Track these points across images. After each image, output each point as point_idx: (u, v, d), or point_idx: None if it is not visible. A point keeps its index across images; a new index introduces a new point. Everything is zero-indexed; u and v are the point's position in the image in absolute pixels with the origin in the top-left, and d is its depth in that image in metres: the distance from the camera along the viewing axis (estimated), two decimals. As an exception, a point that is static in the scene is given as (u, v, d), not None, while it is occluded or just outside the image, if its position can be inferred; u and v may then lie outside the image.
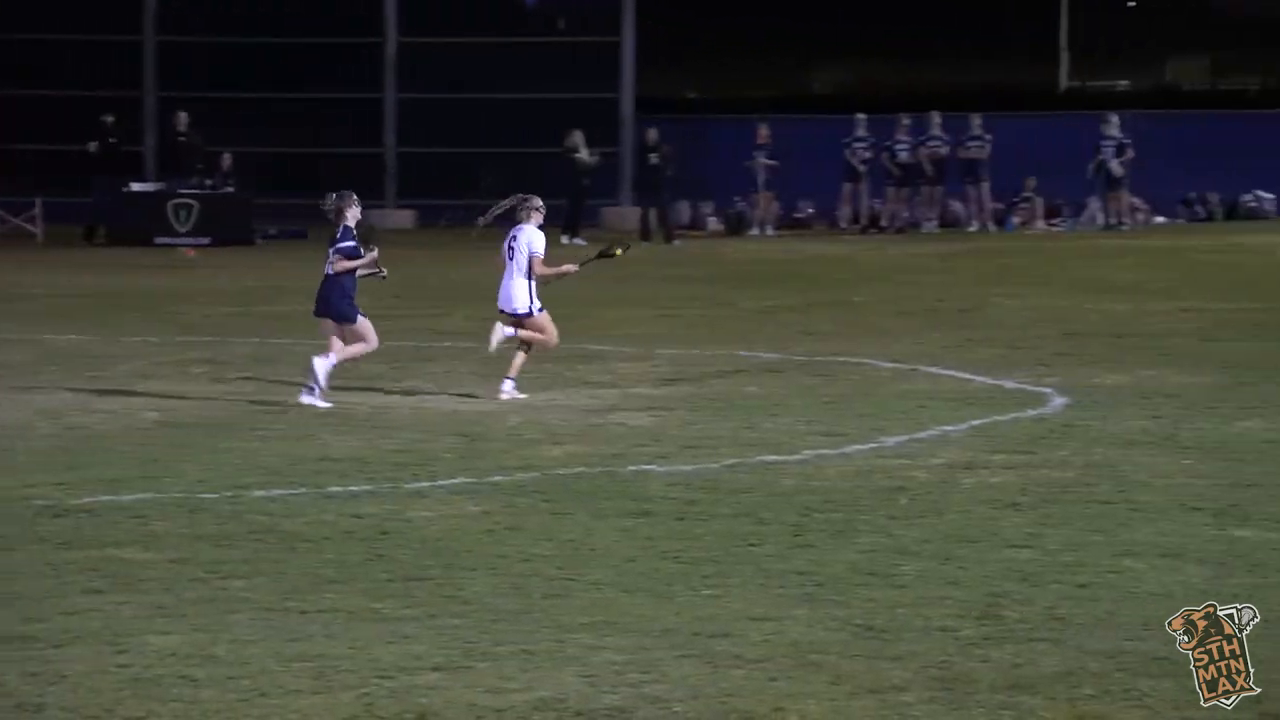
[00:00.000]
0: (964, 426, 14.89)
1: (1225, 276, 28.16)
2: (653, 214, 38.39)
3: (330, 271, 16.37)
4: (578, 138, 38.67)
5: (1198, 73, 67.78)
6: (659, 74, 50.91)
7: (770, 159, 40.10)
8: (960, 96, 44.75)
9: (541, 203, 17.10)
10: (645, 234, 37.66)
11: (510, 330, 16.87)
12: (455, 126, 41.89)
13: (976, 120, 40.52)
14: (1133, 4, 71.24)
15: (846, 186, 41.07)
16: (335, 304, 16.39)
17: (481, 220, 17.66)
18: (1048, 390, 16.73)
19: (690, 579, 10.06)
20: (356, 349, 16.48)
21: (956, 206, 41.33)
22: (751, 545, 10.84)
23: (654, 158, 38.51)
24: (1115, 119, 40.33)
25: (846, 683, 8.16)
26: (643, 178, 39.65)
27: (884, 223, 40.83)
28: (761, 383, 17.28)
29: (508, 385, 16.65)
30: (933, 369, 18.32)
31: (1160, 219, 41.98)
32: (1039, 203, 41.30)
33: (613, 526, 11.41)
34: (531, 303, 16.78)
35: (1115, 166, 39.77)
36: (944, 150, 40.52)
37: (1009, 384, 17.30)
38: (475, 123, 41.90)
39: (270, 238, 38.03)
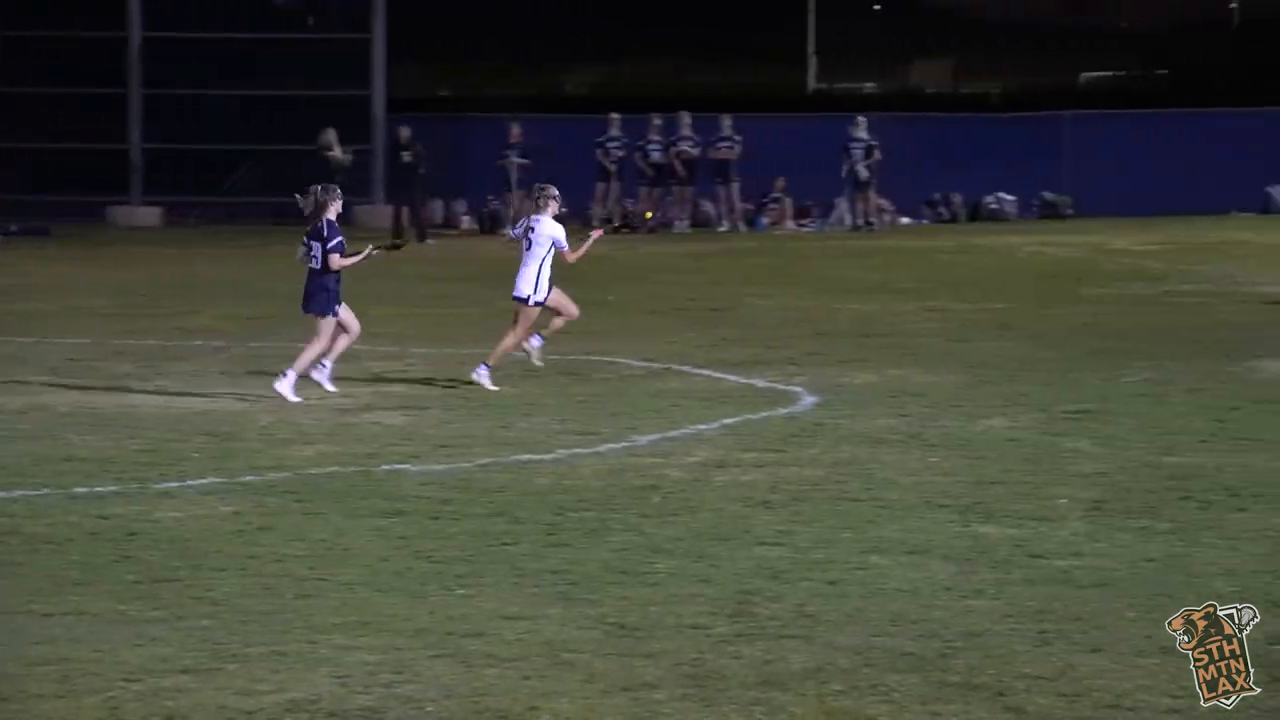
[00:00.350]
0: (716, 425, 15.00)
1: (969, 277, 28.66)
2: (405, 213, 38.23)
3: (316, 266, 16.37)
4: (331, 136, 38.32)
5: (940, 76, 68.96)
6: (412, 72, 50.67)
7: (522, 158, 40.11)
8: (711, 98, 45.11)
9: (558, 192, 17.46)
10: (398, 233, 37.48)
11: (537, 340, 17.42)
12: (204, 124, 41.35)
13: (727, 121, 40.85)
14: (878, 8, 72.29)
15: (599, 186, 41.18)
16: (315, 300, 16.42)
17: (514, 232, 17.91)
18: (798, 389, 16.91)
19: (444, 578, 10.03)
20: (311, 351, 16.40)
21: (708, 207, 41.64)
22: (505, 544, 10.83)
23: (406, 156, 38.32)
24: (864, 121, 40.89)
25: (599, 681, 8.19)
26: (395, 176, 39.46)
27: (635, 223, 41.02)
28: (516, 382, 17.27)
29: (484, 370, 16.83)
30: (685, 368, 18.43)
31: (906, 220, 42.63)
32: (788, 203, 41.74)
33: (366, 526, 11.34)
34: (534, 293, 17.10)
35: (861, 169, 40.33)
36: (695, 151, 40.81)
37: (760, 383, 17.47)
38: (225, 120, 41.39)
39: (11, 234, 37.25)
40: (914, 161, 42.21)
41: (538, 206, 17.44)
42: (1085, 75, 65.69)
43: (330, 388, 16.62)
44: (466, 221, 41.75)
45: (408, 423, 15.23)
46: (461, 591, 9.77)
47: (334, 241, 16.37)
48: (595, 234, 18.23)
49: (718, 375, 18.02)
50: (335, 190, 16.70)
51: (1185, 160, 44.88)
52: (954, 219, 43.54)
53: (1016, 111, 48.20)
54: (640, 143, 40.81)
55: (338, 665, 8.42)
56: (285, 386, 16.22)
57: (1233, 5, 68.00)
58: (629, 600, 9.53)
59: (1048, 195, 44.81)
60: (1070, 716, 7.60)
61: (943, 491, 12.22)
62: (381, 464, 13.33)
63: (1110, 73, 66.17)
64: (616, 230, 17.93)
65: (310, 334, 16.50)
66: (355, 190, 40.43)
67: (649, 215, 18.45)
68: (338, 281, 16.47)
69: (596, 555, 10.55)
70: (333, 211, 16.49)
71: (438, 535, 11.09)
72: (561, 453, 13.81)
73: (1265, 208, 44.61)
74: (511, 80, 57.49)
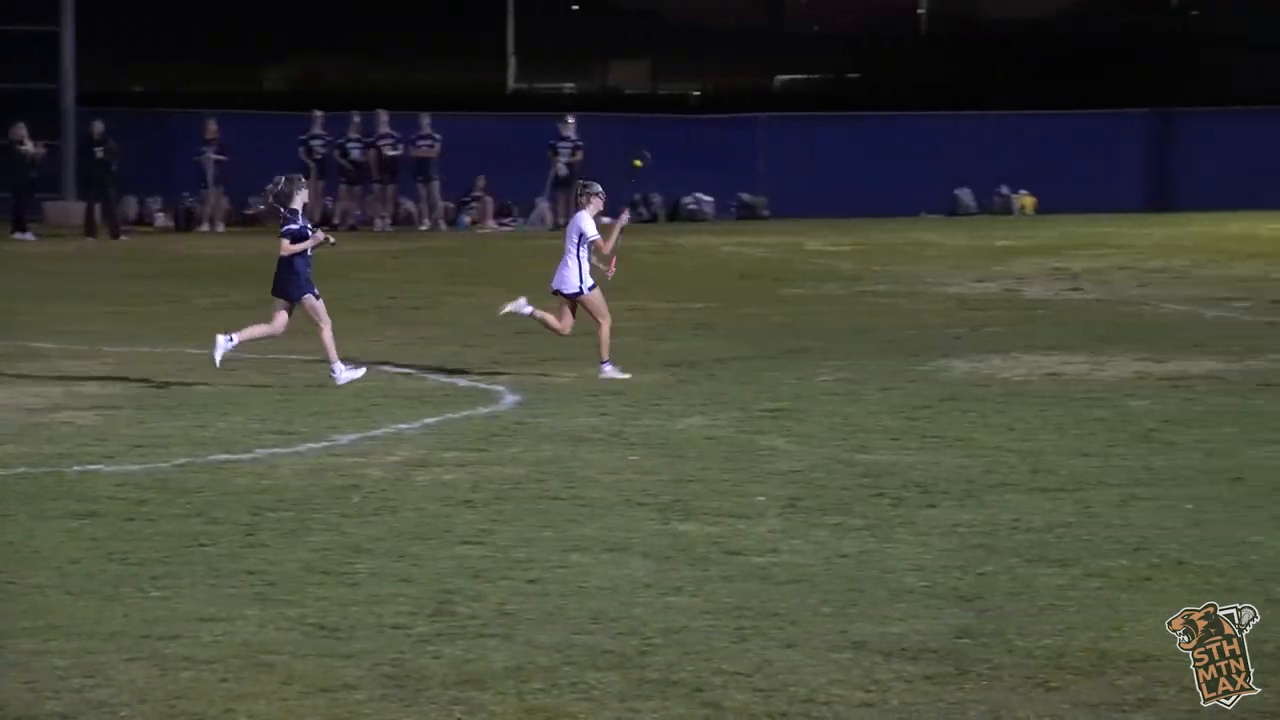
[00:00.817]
0: (418, 424, 14.96)
1: (668, 277, 28.92)
2: (98, 209, 37.52)
3: (281, 254, 17.07)
4: (21, 129, 37.51)
5: (639, 77, 69.45)
6: (105, 66, 49.69)
7: (219, 155, 39.60)
8: (411, 95, 44.94)
9: (600, 189, 18.39)
10: (90, 229, 36.79)
11: (528, 308, 17.85)
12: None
13: (426, 119, 40.74)
14: (576, 8, 72.57)
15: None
16: (282, 283, 17.12)
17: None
18: (500, 388, 16.93)
19: (139, 580, 9.86)
20: (257, 330, 17.22)
21: (409, 205, 41.48)
22: (203, 545, 10.69)
23: (99, 151, 37.60)
24: (572, 121, 41.04)
25: (298, 682, 8.11)
26: (87, 171, 38.69)
27: (336, 220, 40.72)
28: (214, 380, 17.05)
29: (607, 368, 17.59)
30: (386, 367, 18.35)
31: (606, 220, 42.90)
32: (489, 202, 41.75)
33: (57, 528, 11.11)
34: (581, 282, 17.84)
35: (561, 167, 40.47)
36: (395, 149, 40.62)
37: (462, 382, 17.45)
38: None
39: None
40: (613, 162, 42.48)
41: (579, 203, 18.23)
42: (780, 78, 66.63)
43: (218, 356, 16.95)
44: (161, 219, 41.10)
45: (101, 422, 14.95)
46: (157, 593, 9.62)
47: (285, 228, 17.11)
48: (623, 218, 18.75)
49: (419, 374, 17.96)
50: (300, 180, 17.63)
51: (877, 163, 45.77)
52: (653, 219, 43.90)
53: (714, 113, 48.77)
54: (340, 140, 40.53)
55: (27, 670, 8.24)
56: (343, 375, 16.91)
57: (920, 11, 69.42)
58: (329, 600, 9.46)
59: (745, 196, 45.40)
60: (766, 711, 7.70)
61: (643, 490, 12.31)
62: (74, 464, 13.07)
63: (804, 76, 67.21)
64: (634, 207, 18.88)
65: (312, 322, 17.19)
66: (47, 186, 39.64)
67: (637, 164, 18.99)
68: (307, 265, 17.14)
69: (296, 555, 10.46)
70: (298, 201, 17.23)
71: (133, 536, 10.90)
72: (260, 452, 13.66)
73: (953, 210, 45.67)
74: (209, 75, 56.69)
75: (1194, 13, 68.96)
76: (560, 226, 40.31)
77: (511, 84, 63.68)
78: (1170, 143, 48.10)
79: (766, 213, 45.08)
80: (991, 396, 16.30)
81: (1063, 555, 10.26)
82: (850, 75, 66.87)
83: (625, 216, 18.67)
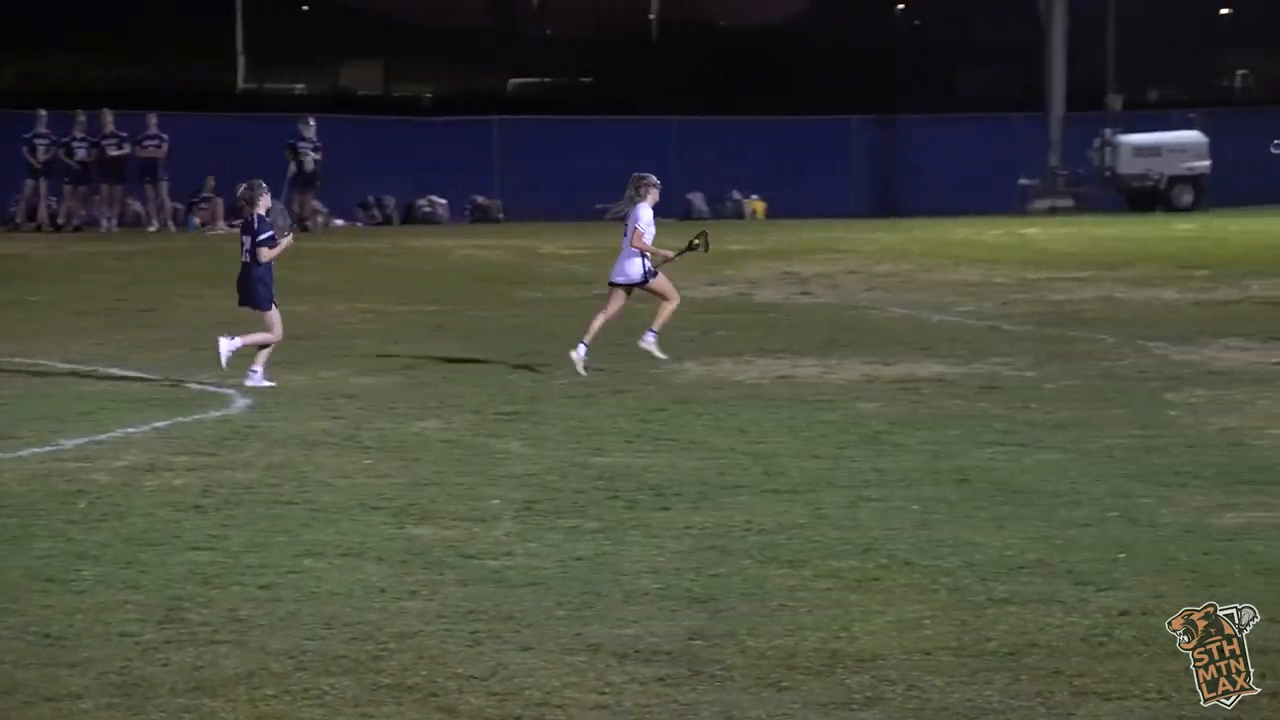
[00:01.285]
0: (146, 428, 14.72)
1: (404, 280, 28.80)
2: None
3: (248, 259, 17.00)
4: None
5: (372, 78, 69.09)
6: None
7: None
8: (137, 94, 44.27)
9: (656, 180, 18.39)
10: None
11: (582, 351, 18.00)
12: None
13: (153, 119, 40.17)
14: (306, 8, 71.99)
15: (28, 183, 40.00)
16: (251, 292, 17.08)
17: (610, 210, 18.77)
18: (231, 391, 16.72)
19: None
20: (260, 336, 17.09)
21: (136, 205, 40.84)
22: (-79, 554, 10.41)
23: None
24: (313, 122, 40.74)
25: (21, 692, 7.94)
26: None
27: (60, 220, 39.98)
28: (-69, 385, 16.64)
29: (650, 337, 18.33)
30: (114, 370, 18.04)
31: (340, 222, 42.60)
32: (219, 203, 41.26)
33: None
34: (645, 270, 18.13)
35: (293, 167, 40.15)
36: (121, 149, 39.96)
37: (192, 385, 17.21)
38: None
39: None
40: (346, 164, 42.21)
41: (639, 195, 18.23)
42: (514, 81, 66.71)
43: (262, 383, 16.85)
44: None
45: None
46: (-126, 604, 9.35)
47: (264, 235, 16.92)
48: (669, 255, 18.60)
49: (148, 377, 17.68)
50: (262, 185, 17.37)
51: (610, 167, 45.98)
52: (387, 221, 43.71)
53: (448, 115, 48.68)
54: (65, 140, 39.78)
55: None
56: (258, 380, 16.79)
57: (651, 17, 69.94)
58: (53, 609, 9.27)
59: (480, 199, 45.39)
60: (500, 715, 7.69)
61: (377, 494, 12.23)
62: None
63: (538, 79, 67.37)
64: (690, 249, 18.76)
65: (258, 327, 17.13)
66: None
67: (697, 244, 18.99)
68: (270, 274, 17.05)
69: (19, 563, 10.23)
70: (262, 206, 17.01)
71: None
72: (-18, 458, 13.36)
73: (686, 214, 46.06)
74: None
75: (916, 22, 70.25)
76: (303, 229, 40.02)
77: (241, 84, 63.01)
78: (895, 150, 49.00)
79: (501, 216, 45.11)
80: (725, 399, 16.45)
81: (794, 556, 10.38)
82: (583, 79, 67.16)
83: (667, 254, 18.67)
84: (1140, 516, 11.32)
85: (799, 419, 15.28)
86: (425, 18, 70.44)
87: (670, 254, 18.68)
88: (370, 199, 43.81)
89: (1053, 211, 47.26)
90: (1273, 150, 24.62)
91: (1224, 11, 69.72)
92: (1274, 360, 18.65)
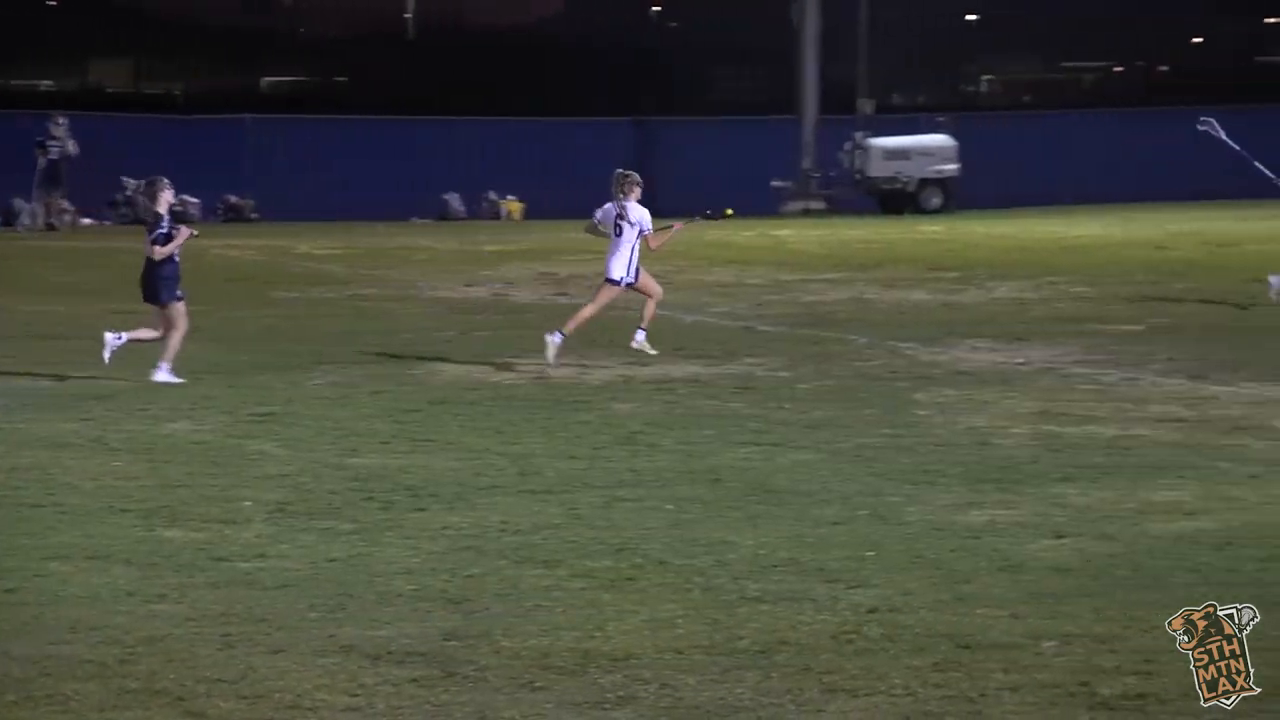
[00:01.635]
0: (-116, 431, 14.36)
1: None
2: None
3: (154, 258, 16.95)
4: None
5: (122, 75, 68.02)
6: None
7: None
8: None
9: (639, 178, 18.44)
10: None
11: (641, 335, 18.42)
12: None
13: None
14: (53, 2, 70.67)
15: None
16: (153, 287, 17.05)
17: (597, 216, 18.57)
18: (-27, 393, 16.38)
19: None
20: (145, 333, 17.20)
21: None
22: None
23: None
24: (64, 120, 40.06)
25: None
26: None
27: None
28: None
29: (640, 335, 18.37)
30: None
31: (88, 220, 41.92)
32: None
33: None
34: (626, 275, 18.20)
35: (42, 163, 39.48)
36: None
37: (-68, 387, 16.83)
38: None
39: None
40: (97, 162, 41.53)
41: (624, 192, 18.01)
42: (267, 79, 66.08)
43: (170, 379, 16.89)
44: None
45: None
46: None
47: (155, 233, 16.83)
48: (677, 226, 18.79)
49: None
50: (163, 181, 17.27)
51: (366, 166, 45.76)
52: (139, 220, 43.06)
53: (200, 113, 48.09)
54: None
55: None
56: (164, 375, 16.86)
57: (407, 16, 69.63)
58: None
59: (232, 198, 44.89)
60: (251, 718, 7.61)
61: (126, 496, 12.06)
62: None
63: (292, 78, 66.80)
64: (707, 218, 18.63)
65: (158, 322, 17.14)
66: None
67: (729, 212, 18.86)
68: (175, 269, 16.95)
69: None
70: (163, 203, 16.98)
71: None
72: None
73: (443, 215, 45.95)
74: None
75: (673, 24, 70.67)
76: (51, 227, 39.29)
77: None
78: (653, 151, 49.28)
79: (255, 215, 44.65)
80: (481, 400, 16.43)
81: (549, 556, 10.40)
82: (338, 78, 66.70)
83: (678, 226, 19.00)
84: (889, 515, 11.49)
85: (555, 420, 15.31)
86: (177, 14, 69.52)
87: (679, 224, 19.07)
88: (119, 197, 43.15)
89: (806, 213, 47.79)
90: (1198, 128, 24.98)
91: (970, 17, 71.03)
92: (1018, 360, 19.04)
